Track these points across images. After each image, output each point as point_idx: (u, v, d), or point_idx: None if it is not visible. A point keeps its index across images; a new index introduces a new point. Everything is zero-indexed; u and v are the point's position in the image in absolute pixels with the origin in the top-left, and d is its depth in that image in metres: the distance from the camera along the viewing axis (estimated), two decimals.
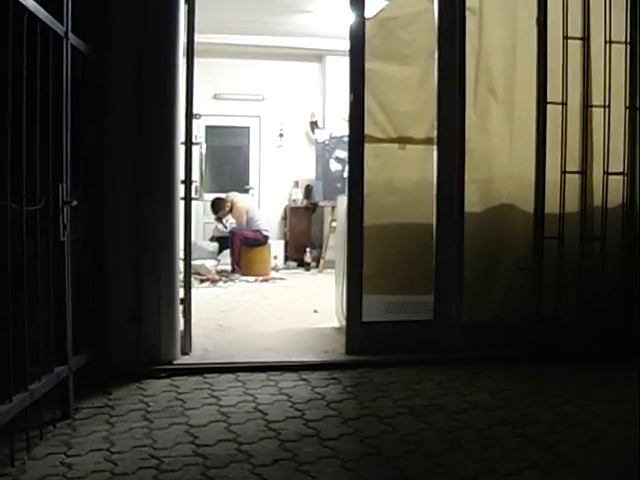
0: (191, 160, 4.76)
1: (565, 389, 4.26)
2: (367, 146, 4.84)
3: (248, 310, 7.02)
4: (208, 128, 12.06)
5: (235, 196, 10.72)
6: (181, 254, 4.83)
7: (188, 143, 4.76)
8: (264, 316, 6.66)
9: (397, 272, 5.00)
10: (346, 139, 10.78)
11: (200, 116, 5.77)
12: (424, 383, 4.37)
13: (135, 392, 4.15)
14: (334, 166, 11.14)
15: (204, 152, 5.54)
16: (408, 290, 5.06)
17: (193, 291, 8.20)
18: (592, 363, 4.72)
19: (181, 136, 4.82)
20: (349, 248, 4.87)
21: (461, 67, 4.91)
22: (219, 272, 10.04)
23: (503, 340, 4.93)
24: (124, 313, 4.50)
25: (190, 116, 4.78)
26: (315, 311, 6.87)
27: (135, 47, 4.48)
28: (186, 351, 4.81)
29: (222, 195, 10.79)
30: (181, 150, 4.77)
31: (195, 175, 5.57)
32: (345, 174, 11.32)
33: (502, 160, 5.10)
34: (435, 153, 4.94)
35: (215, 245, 10.41)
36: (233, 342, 5.37)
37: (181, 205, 4.91)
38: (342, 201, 5.91)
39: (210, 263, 9.82)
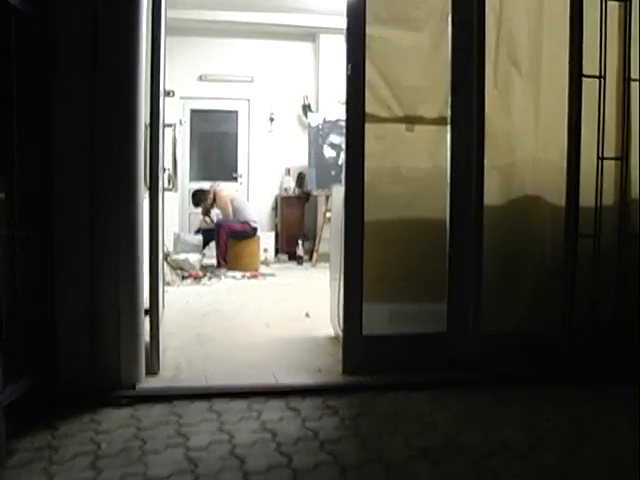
0: (157, 144, 3.96)
1: (614, 421, 3.51)
2: (368, 127, 4.06)
3: (232, 313, 6.25)
4: (193, 112, 11.31)
5: (217, 186, 9.96)
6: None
7: (154, 124, 3.95)
8: (250, 321, 5.89)
9: (403, 275, 4.24)
10: (341, 123, 10.09)
11: (174, 93, 5.03)
12: (438, 413, 3.61)
13: (87, 427, 3.37)
14: (328, 152, 10.39)
15: (179, 135, 4.65)
16: (416, 297, 4.29)
17: (173, 290, 7.55)
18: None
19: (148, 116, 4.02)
20: (346, 248, 4.10)
21: (479, 33, 4.13)
22: (204, 267, 9.29)
23: (529, 355, 4.19)
24: (76, 326, 3.75)
25: (156, 91, 3.96)
26: (307, 315, 6.12)
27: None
28: (153, 371, 4.05)
29: (206, 185, 10.04)
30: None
31: (168, 162, 4.77)
32: (341, 161, 10.72)
33: (526, 143, 4.34)
34: (449, 135, 4.17)
35: (200, 238, 9.62)
36: (211, 357, 4.60)
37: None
38: (338, 191, 5.13)
39: (194, 257, 9.04)
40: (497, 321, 4.28)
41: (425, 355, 4.17)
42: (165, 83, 4.87)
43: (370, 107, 4.07)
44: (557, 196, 4.30)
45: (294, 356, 4.63)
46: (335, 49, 10.94)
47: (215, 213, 9.91)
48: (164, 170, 4.87)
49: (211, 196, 9.69)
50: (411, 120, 4.17)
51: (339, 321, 4.58)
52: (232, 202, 9.65)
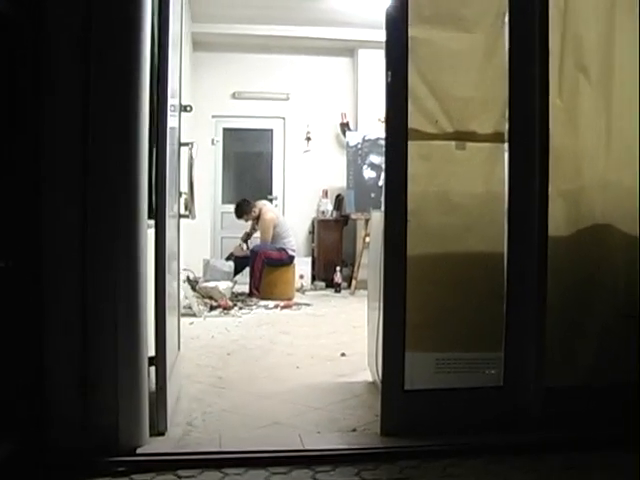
0: (164, 164, 3.40)
1: None
2: (412, 145, 3.45)
3: (260, 352, 5.66)
4: (226, 131, 10.82)
5: (264, 205, 9.45)
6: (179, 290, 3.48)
7: (160, 142, 3.38)
8: (278, 362, 5.29)
9: (453, 319, 3.61)
10: (382, 142, 9.47)
11: (191, 108, 4.46)
12: None
13: None
14: (368, 173, 9.82)
15: (195, 155, 4.08)
16: (468, 345, 3.65)
17: (198, 322, 6.98)
18: None
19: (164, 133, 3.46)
20: (386, 287, 3.48)
21: (542, 34, 3.51)
22: (235, 296, 8.73)
23: (601, 413, 3.52)
24: (67, 379, 3.19)
25: (163, 103, 3.39)
26: (343, 355, 5.51)
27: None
28: (160, 430, 3.45)
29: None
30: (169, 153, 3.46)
31: (184, 185, 4.22)
32: (381, 182, 10.06)
33: (596, 164, 3.70)
34: (506, 154, 3.55)
35: (231, 264, 9.06)
36: (230, 410, 4.00)
37: (171, 224, 3.67)
38: (376, 217, 4.55)
39: (224, 285, 8.48)
40: (564, 373, 3.63)
41: (478, 413, 3.53)
42: (181, 97, 4.34)
43: (414, 121, 3.46)
44: (631, 225, 3.66)
45: (325, 409, 4.01)
46: (374, 64, 10.33)
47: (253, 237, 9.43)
48: (180, 195, 4.30)
49: (256, 210, 9.24)
50: (462, 137, 3.55)
51: (377, 366, 3.99)
52: (275, 227, 9.10)
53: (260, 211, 9.29)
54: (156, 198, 3.39)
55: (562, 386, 3.61)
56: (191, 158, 4.21)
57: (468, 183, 3.58)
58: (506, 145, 3.56)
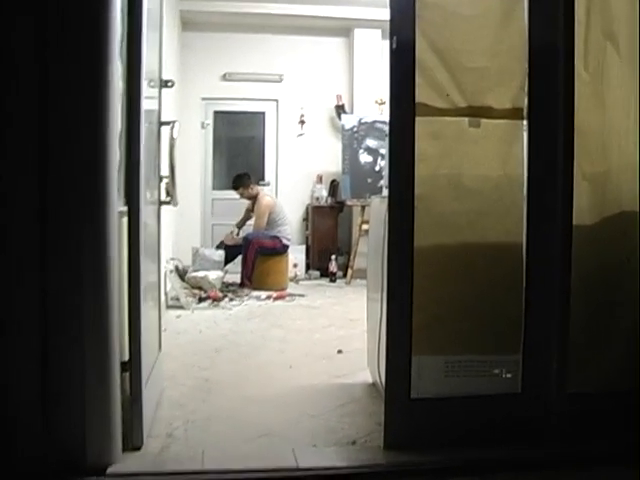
0: (137, 145, 2.98)
1: None
2: (420, 122, 3.04)
3: (250, 348, 5.25)
4: (217, 114, 10.39)
5: (262, 189, 9.07)
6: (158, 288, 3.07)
7: (133, 120, 2.97)
8: (270, 360, 4.89)
9: (465, 318, 3.20)
10: (379, 125, 9.14)
11: (173, 84, 4.02)
12: None
13: None
14: (364, 158, 9.41)
15: (175, 135, 3.66)
16: (481, 347, 3.24)
17: (186, 315, 6.58)
18: None
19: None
20: (390, 284, 3.08)
21: None
22: (226, 286, 8.32)
23: (633, 421, 3.14)
24: (26, 390, 2.79)
25: (136, 74, 2.97)
26: (340, 351, 5.12)
27: None
28: (135, 444, 3.06)
29: (230, 194, 9.12)
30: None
31: (165, 169, 3.81)
32: (378, 167, 9.80)
33: (625, 144, 3.28)
34: (526, 132, 3.14)
35: (221, 253, 8.63)
36: (216, 417, 3.59)
37: (150, 211, 3.29)
38: (376, 203, 4.15)
39: (214, 275, 8.06)
40: (588, 377, 3.24)
41: (493, 424, 3.14)
42: (161, 72, 3.93)
43: (422, 95, 3.05)
44: None
45: (321, 417, 3.61)
46: (371, 44, 10.03)
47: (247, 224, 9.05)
48: (160, 179, 3.89)
49: (254, 191, 8.90)
50: (476, 112, 3.13)
51: (379, 368, 3.61)
52: (270, 213, 8.69)
53: (258, 194, 8.92)
54: (128, 182, 2.97)
55: (587, 392, 3.22)
56: (172, 139, 3.79)
57: (483, 165, 3.16)
58: (525, 122, 3.15)
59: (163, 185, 3.89)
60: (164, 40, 6.22)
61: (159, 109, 3.90)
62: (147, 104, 3.53)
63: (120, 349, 2.96)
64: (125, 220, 3.01)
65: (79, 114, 2.73)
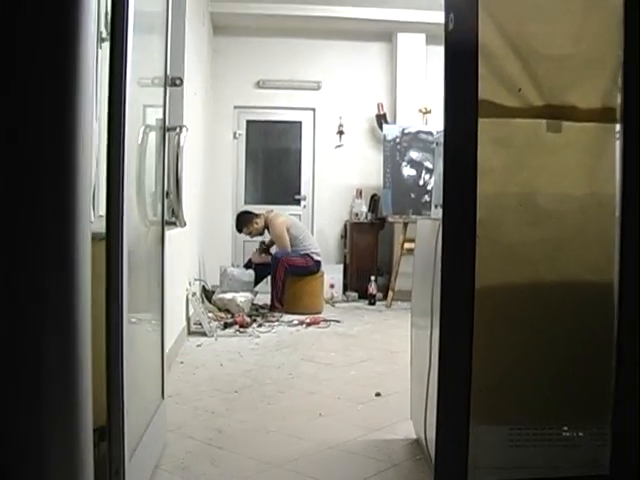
0: (119, 154, 2.32)
1: None
2: (484, 124, 2.34)
3: (275, 389, 4.57)
4: (250, 123, 9.79)
5: (269, 214, 8.31)
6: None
7: (114, 121, 2.31)
8: (297, 405, 4.20)
9: (537, 381, 2.49)
10: (423, 136, 8.38)
11: (181, 81, 3.39)
12: None
13: None
14: (407, 171, 8.71)
15: (183, 142, 3.01)
16: (558, 416, 2.54)
17: (208, 343, 5.94)
18: None
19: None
20: (443, 336, 2.39)
21: None
22: (255, 309, 7.68)
23: None
24: None
25: (118, 65, 2.31)
26: (378, 394, 4.43)
27: None
28: None
29: (263, 210, 8.45)
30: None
31: (164, 182, 3.17)
32: (423, 181, 9.07)
33: None
34: (619, 139, 2.44)
35: (251, 273, 7.98)
36: None
37: (146, 234, 2.66)
38: (426, 226, 3.45)
39: (242, 297, 7.42)
40: None
41: None
42: (167, 68, 3.29)
43: (486, 90, 2.36)
44: None
45: None
46: (415, 50, 9.37)
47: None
48: (167, 196, 3.25)
49: (259, 221, 8.12)
50: (555, 113, 2.43)
51: (426, 425, 2.93)
52: (289, 230, 8.00)
53: (266, 220, 8.22)
54: (107, 200, 2.32)
55: None
56: (177, 146, 3.15)
57: (564, 181, 2.46)
58: (619, 126, 2.44)
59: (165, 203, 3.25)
60: (192, 44, 5.63)
61: (164, 112, 3.26)
62: (144, 105, 2.93)
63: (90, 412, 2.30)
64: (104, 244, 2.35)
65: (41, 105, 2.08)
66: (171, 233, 5.21)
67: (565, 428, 2.52)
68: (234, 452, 3.36)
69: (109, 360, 2.36)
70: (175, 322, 5.60)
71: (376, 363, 5.38)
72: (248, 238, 8.85)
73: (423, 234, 3.40)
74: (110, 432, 2.38)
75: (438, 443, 2.42)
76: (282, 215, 8.29)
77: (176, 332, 5.58)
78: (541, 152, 2.43)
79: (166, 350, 4.94)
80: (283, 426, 3.78)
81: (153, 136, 3.22)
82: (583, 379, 2.50)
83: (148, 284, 3.09)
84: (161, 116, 3.30)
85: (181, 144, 3.16)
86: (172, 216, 3.26)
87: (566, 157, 2.44)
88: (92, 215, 2.18)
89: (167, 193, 3.25)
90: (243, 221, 8.25)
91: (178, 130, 3.23)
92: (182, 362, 5.25)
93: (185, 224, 3.32)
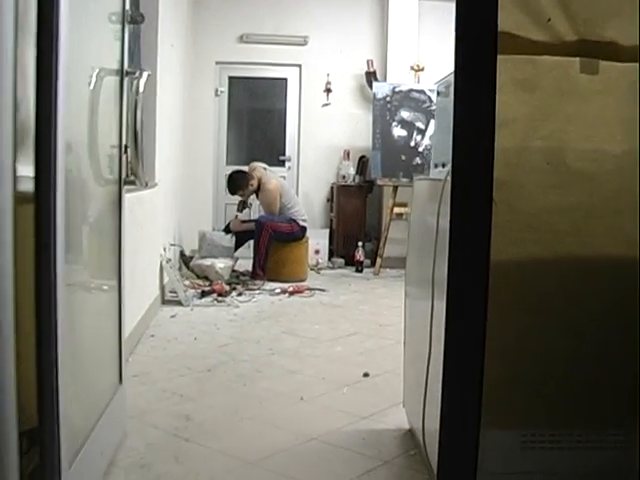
0: (51, 103, 1.86)
1: None
2: (503, 62, 1.88)
3: (253, 367, 4.15)
4: (232, 80, 9.26)
5: (261, 171, 7.75)
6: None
7: (43, 64, 1.84)
8: (276, 387, 3.79)
9: (557, 373, 2.07)
10: (415, 95, 7.86)
11: (142, 18, 2.92)
12: None
13: None
14: (398, 132, 8.23)
15: (142, 88, 2.55)
16: (578, 418, 2.12)
17: (183, 313, 5.52)
18: None
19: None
20: (449, 320, 1.96)
21: None
22: (236, 275, 7.25)
23: None
24: None
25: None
26: (366, 375, 4.03)
27: None
28: None
29: (244, 168, 7.95)
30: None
31: (121, 136, 2.72)
32: (415, 142, 8.56)
33: None
34: None
35: (232, 239, 7.51)
36: None
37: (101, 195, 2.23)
38: (423, 188, 3.01)
39: (222, 264, 6.99)
40: None
41: None
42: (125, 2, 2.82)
43: (507, 20, 1.90)
44: None
45: None
46: (407, 4, 8.79)
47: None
48: (125, 150, 2.79)
49: (254, 182, 7.57)
50: (591, 50, 1.97)
51: (424, 418, 2.54)
52: (280, 197, 7.50)
53: (260, 180, 7.62)
54: (37, 156, 1.86)
55: None
56: (136, 93, 2.68)
57: (599, 134, 2.01)
58: None
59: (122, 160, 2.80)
60: None
61: (122, 54, 2.79)
62: (92, 45, 2.49)
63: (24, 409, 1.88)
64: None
65: None
66: (142, 194, 4.77)
67: (586, 430, 2.10)
68: (202, 445, 2.94)
69: (39, 343, 1.93)
70: (146, 291, 5.16)
71: (364, 337, 4.98)
72: (230, 200, 8.41)
73: (421, 196, 2.97)
74: (42, 435, 1.95)
75: (443, 447, 2.01)
76: (274, 177, 7.74)
77: (147, 302, 5.15)
78: (572, 98, 1.97)
79: (134, 323, 4.54)
80: (259, 413, 3.36)
81: (112, 82, 2.77)
82: (610, 375, 2.08)
83: (100, 251, 2.65)
84: (121, 59, 2.84)
85: (140, 90, 2.69)
86: (129, 176, 2.81)
87: (603, 105, 1.99)
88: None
89: (126, 147, 2.79)
90: (239, 183, 7.61)
91: (138, 74, 2.75)
92: (153, 335, 4.83)
93: (146, 184, 2.88)
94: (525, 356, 2.03)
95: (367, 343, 4.81)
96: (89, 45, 2.48)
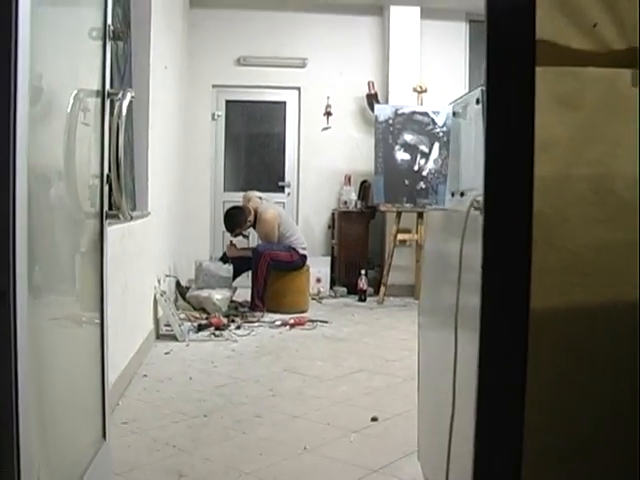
0: (12, 119, 1.57)
1: None
2: (542, 74, 1.60)
3: (252, 412, 3.83)
4: (230, 104, 9.04)
5: (257, 201, 7.44)
6: None
7: None
8: (276, 435, 3.47)
9: (613, 441, 1.76)
10: (418, 117, 7.56)
11: (125, 34, 2.64)
12: None
13: None
14: (401, 155, 7.99)
15: (125, 110, 2.26)
16: None
17: (179, 349, 5.21)
18: None
19: None
20: (482, 373, 1.66)
21: None
22: (235, 307, 6.96)
23: None
24: None
25: None
26: (374, 419, 3.72)
27: None
28: None
29: (238, 200, 7.66)
30: None
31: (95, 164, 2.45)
32: (418, 166, 8.23)
33: None
34: None
35: (230, 268, 7.20)
36: None
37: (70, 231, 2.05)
38: (437, 218, 2.72)
39: (219, 295, 6.70)
40: None
41: None
42: (107, 16, 2.55)
43: (546, 27, 1.62)
44: None
45: None
46: (409, 24, 8.62)
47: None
48: (108, 180, 2.51)
49: (252, 217, 7.23)
50: None
51: (449, 467, 2.25)
52: (278, 227, 7.20)
53: (256, 211, 7.30)
54: None
55: None
56: (118, 116, 2.39)
57: None
58: None
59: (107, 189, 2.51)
60: (161, 7, 4.93)
61: (103, 73, 2.52)
62: (69, 63, 2.22)
63: None
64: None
65: None
66: (133, 224, 4.49)
67: None
68: None
69: None
70: (139, 327, 4.87)
71: (370, 375, 4.68)
72: None
73: (437, 227, 2.68)
74: None
75: None
76: (271, 207, 7.43)
77: (140, 339, 4.85)
78: (622, 117, 1.69)
79: (125, 363, 4.24)
80: (259, 467, 3.05)
81: (93, 105, 2.50)
82: None
83: (79, 290, 2.36)
84: (102, 79, 2.56)
85: (123, 113, 2.41)
86: (112, 207, 2.52)
87: None
88: None
89: (108, 177, 2.50)
90: (237, 220, 7.27)
91: (120, 95, 2.47)
92: (145, 375, 4.52)
93: (130, 217, 2.57)
94: (572, 416, 1.72)
95: (374, 381, 4.51)
96: (65, 63, 2.22)
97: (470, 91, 2.38)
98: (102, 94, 2.53)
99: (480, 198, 1.82)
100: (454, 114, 2.66)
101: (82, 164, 2.37)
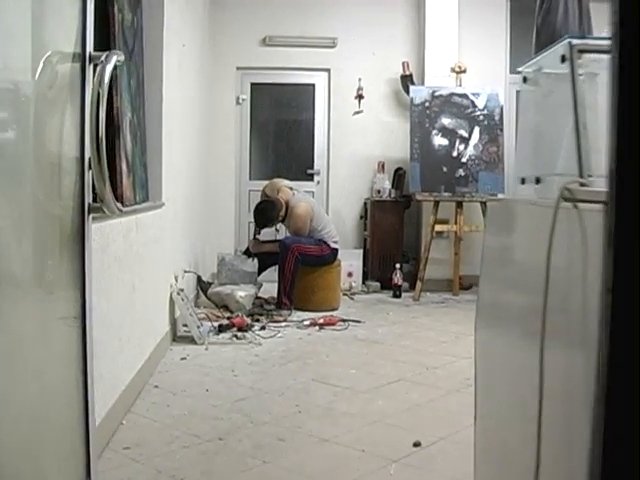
0: None
1: None
2: None
3: (275, 433, 3.32)
4: (255, 86, 8.50)
5: (288, 193, 6.87)
6: None
7: None
8: (302, 464, 2.96)
9: None
10: (457, 99, 6.80)
11: None
12: None
13: None
14: (438, 141, 7.44)
15: (108, 77, 1.74)
16: None
17: (197, 354, 4.71)
18: None
19: None
20: (612, 399, 1.12)
21: None
22: (260, 304, 6.46)
23: None
24: None
25: None
26: (417, 444, 3.19)
27: None
28: None
29: (266, 189, 7.10)
30: None
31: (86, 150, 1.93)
32: (457, 152, 7.61)
33: None
34: None
35: (255, 263, 6.69)
36: None
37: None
38: (505, 209, 2.19)
39: (243, 292, 6.20)
40: None
41: None
42: None
43: None
44: None
45: None
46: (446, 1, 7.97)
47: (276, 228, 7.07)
48: (88, 167, 2.00)
49: (283, 211, 6.65)
50: None
51: None
52: (310, 222, 6.67)
53: (287, 204, 6.72)
54: None
55: None
56: (99, 84, 1.88)
57: None
58: None
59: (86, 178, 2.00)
60: None
61: (83, 35, 2.01)
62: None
63: None
64: None
65: None
66: (142, 217, 4.00)
67: None
68: None
69: None
70: (151, 331, 4.37)
71: (409, 386, 4.15)
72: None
73: (505, 221, 2.14)
74: None
75: None
76: (303, 200, 6.85)
77: (152, 344, 4.36)
78: None
79: (133, 372, 3.75)
80: None
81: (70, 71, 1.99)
82: None
83: (47, 305, 1.86)
84: (83, 39, 2.05)
85: (105, 81, 1.89)
86: (98, 200, 2.01)
87: None
88: None
89: (89, 162, 2.00)
90: (269, 216, 6.68)
91: (104, 58, 1.96)
92: (157, 386, 4.03)
93: (119, 210, 2.06)
94: None
95: (413, 394, 3.98)
96: (30, 20, 1.72)
97: (545, 48, 1.84)
98: (82, 58, 2.02)
99: (572, 186, 1.38)
100: (524, 80, 2.10)
101: (54, 144, 1.87)
